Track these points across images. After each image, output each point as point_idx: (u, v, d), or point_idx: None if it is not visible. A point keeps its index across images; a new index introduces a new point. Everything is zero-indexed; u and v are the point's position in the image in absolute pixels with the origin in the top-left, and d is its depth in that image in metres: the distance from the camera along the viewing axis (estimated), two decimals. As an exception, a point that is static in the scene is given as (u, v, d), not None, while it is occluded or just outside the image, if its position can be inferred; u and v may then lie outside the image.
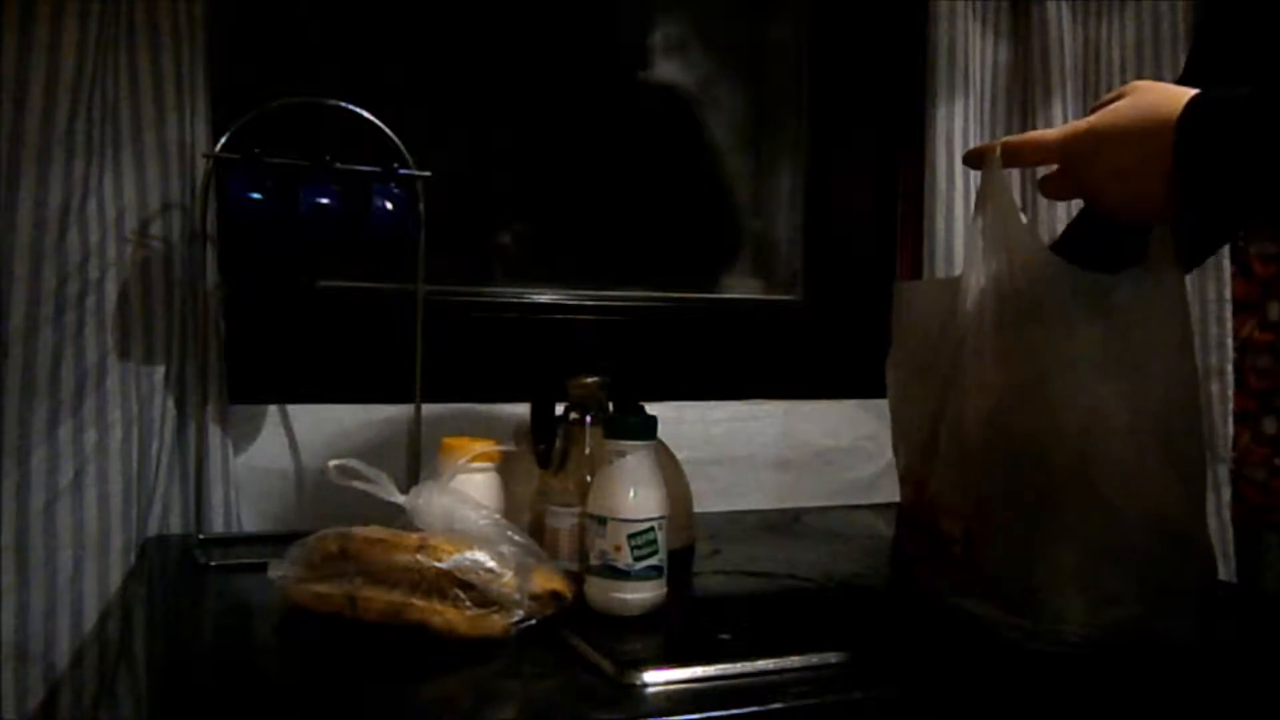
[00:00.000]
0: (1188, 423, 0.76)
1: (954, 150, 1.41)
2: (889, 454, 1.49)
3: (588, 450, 0.92)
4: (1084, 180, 0.74)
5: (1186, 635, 0.75)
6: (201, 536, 1.07)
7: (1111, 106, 0.73)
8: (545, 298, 1.40)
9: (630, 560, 0.80)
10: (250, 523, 1.16)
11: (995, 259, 0.76)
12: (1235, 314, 1.48)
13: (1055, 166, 0.77)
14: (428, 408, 1.11)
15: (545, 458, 0.95)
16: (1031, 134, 0.79)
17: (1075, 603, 0.75)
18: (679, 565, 0.98)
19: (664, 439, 0.85)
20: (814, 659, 0.73)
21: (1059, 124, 1.41)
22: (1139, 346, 0.74)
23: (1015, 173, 1.15)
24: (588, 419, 0.94)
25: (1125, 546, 0.75)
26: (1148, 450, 0.74)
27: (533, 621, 0.78)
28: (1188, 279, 1.53)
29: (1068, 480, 0.75)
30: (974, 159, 0.81)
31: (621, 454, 0.83)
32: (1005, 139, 0.79)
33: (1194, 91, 0.68)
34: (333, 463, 0.82)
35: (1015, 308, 0.75)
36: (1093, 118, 0.74)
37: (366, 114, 1.05)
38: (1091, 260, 0.75)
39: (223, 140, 1.02)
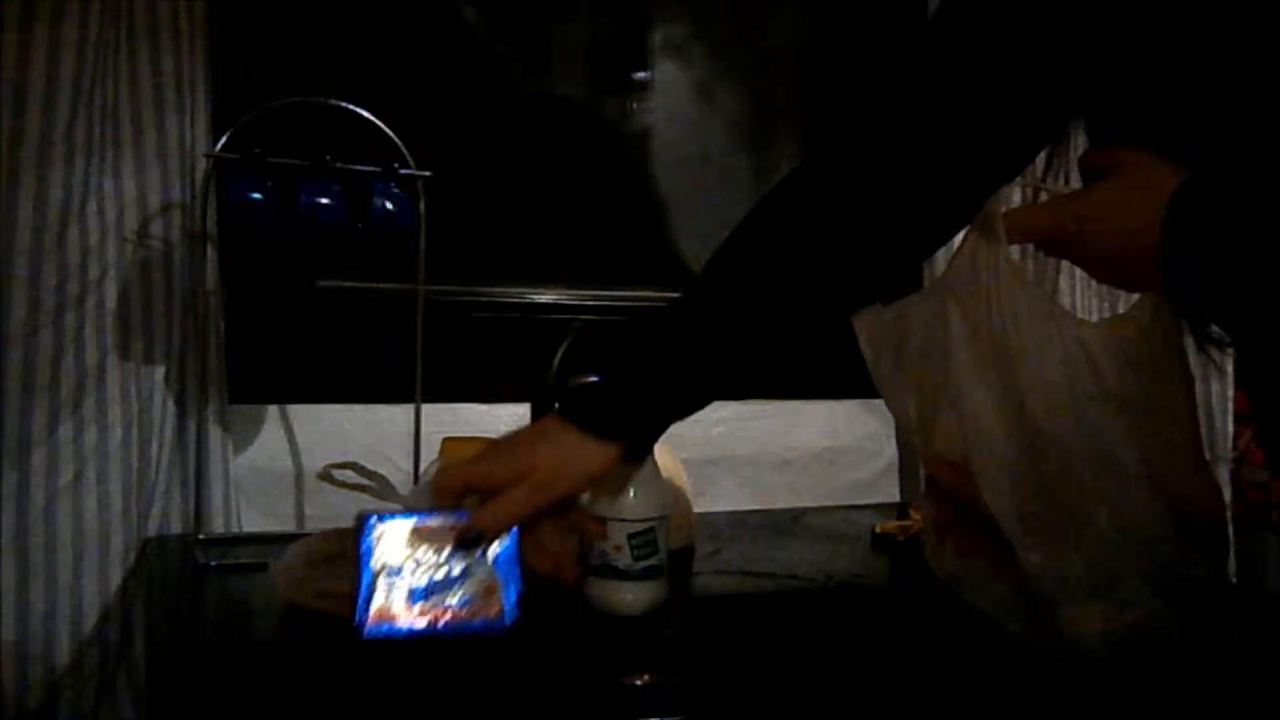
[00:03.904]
0: (1191, 462, 0.76)
1: (954, 150, 1.40)
2: (889, 454, 1.51)
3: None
4: (1074, 259, 0.73)
5: (1196, 626, 0.75)
6: (201, 536, 1.07)
7: (1097, 192, 0.70)
8: (545, 298, 1.40)
9: (630, 560, 0.80)
10: (250, 523, 1.16)
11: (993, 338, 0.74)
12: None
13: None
14: (428, 408, 1.11)
15: (545, 458, 0.94)
16: (1018, 217, 0.73)
17: (1092, 609, 0.75)
18: (679, 565, 0.98)
19: (664, 439, 0.85)
20: (815, 660, 0.73)
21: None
22: (1142, 384, 0.74)
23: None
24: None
25: (1138, 549, 0.74)
26: (1156, 454, 0.74)
27: (532, 622, 0.78)
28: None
29: (1079, 487, 0.75)
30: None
31: (622, 454, 0.83)
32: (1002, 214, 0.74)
33: (1176, 179, 0.66)
34: (332, 467, 0.82)
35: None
36: (1078, 203, 0.70)
37: (367, 114, 1.05)
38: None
39: (223, 140, 1.02)
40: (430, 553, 0.70)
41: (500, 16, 1.41)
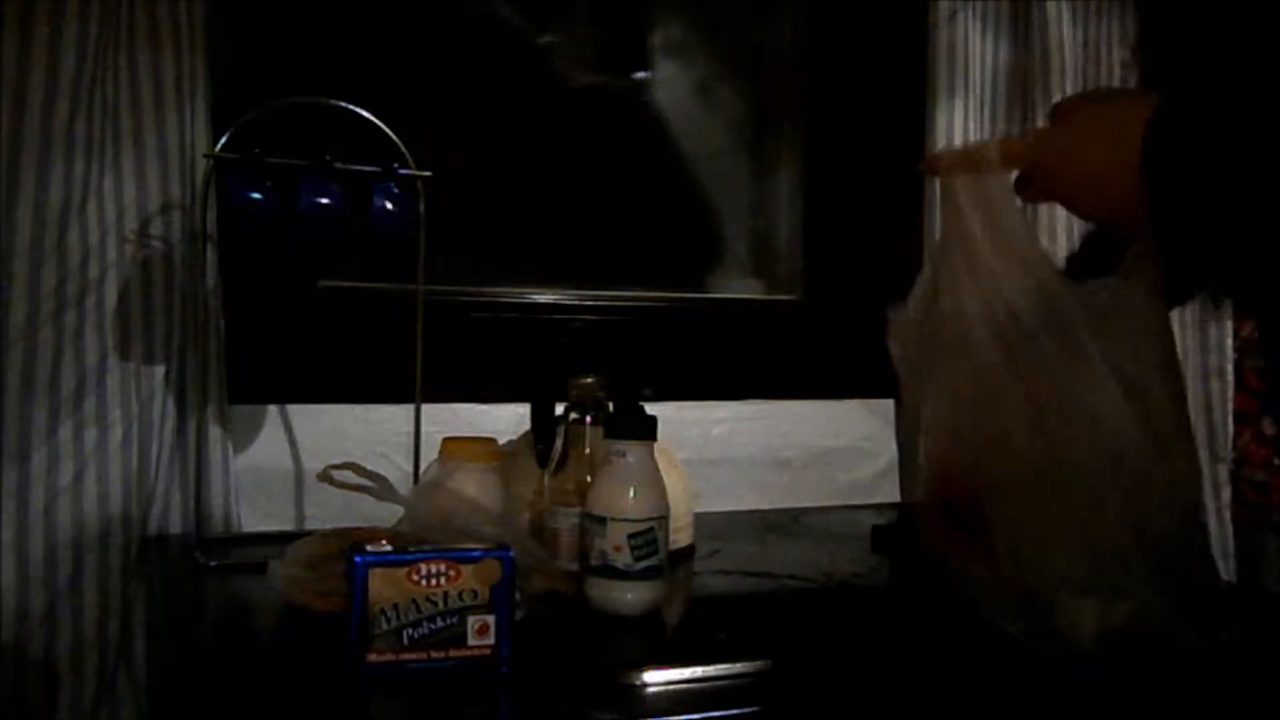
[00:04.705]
0: (1178, 426, 0.77)
1: (954, 150, 1.41)
2: (889, 454, 1.51)
3: (588, 450, 0.92)
4: (1055, 193, 0.75)
5: (1193, 624, 0.75)
6: (201, 536, 1.07)
7: (1074, 123, 0.73)
8: (545, 298, 1.40)
9: (630, 560, 0.80)
10: (250, 523, 1.16)
11: (988, 278, 0.75)
12: (1235, 314, 1.48)
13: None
14: (427, 408, 1.11)
15: (545, 458, 0.95)
16: (1006, 144, 0.77)
17: (1086, 605, 0.75)
18: (679, 565, 0.98)
19: (664, 439, 0.85)
20: (814, 660, 0.73)
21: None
22: (1128, 356, 0.75)
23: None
24: (588, 419, 0.94)
25: (1129, 544, 0.75)
26: (1143, 452, 0.74)
27: (532, 621, 0.78)
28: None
29: (1072, 486, 0.75)
30: (933, 167, 0.81)
31: (621, 454, 0.83)
32: (969, 149, 0.78)
33: (1150, 101, 0.67)
34: (332, 468, 0.82)
35: (1013, 328, 0.75)
36: (1058, 134, 0.74)
37: (366, 114, 1.05)
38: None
39: (223, 140, 1.02)
40: (423, 593, 0.70)
41: (500, 16, 1.40)
